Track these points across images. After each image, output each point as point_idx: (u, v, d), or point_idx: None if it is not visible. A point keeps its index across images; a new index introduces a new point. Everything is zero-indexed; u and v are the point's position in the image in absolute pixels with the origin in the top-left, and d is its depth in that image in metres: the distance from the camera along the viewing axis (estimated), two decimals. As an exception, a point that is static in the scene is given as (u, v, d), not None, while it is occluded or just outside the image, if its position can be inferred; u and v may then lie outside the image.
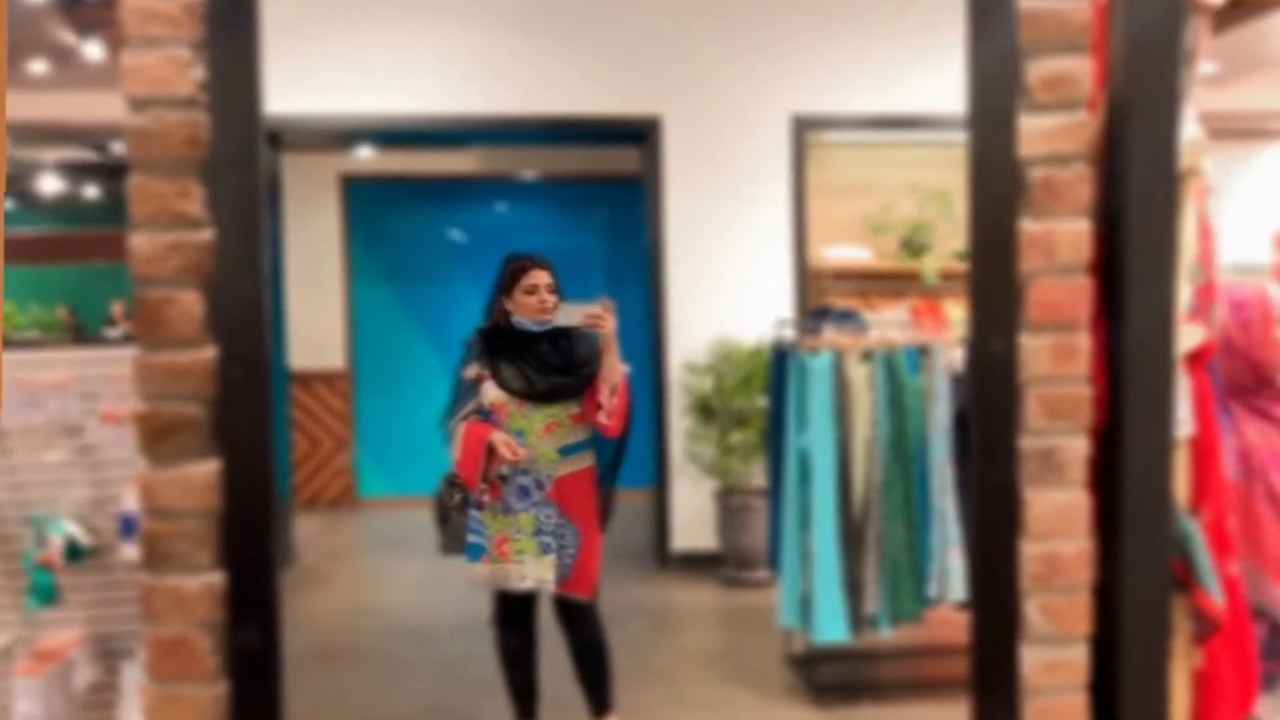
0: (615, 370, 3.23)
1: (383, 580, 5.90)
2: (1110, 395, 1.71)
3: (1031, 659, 1.68)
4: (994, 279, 1.67)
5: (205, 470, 1.57)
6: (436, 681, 4.21)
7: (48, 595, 1.90)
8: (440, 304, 7.84)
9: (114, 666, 1.97)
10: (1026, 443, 1.67)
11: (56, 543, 1.91)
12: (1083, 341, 1.68)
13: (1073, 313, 1.67)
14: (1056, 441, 1.67)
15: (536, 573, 3.24)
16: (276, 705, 1.60)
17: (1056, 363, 1.67)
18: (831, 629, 3.79)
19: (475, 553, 3.29)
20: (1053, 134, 1.66)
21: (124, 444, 1.96)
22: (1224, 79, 7.06)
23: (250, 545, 1.58)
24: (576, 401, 3.30)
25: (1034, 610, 1.68)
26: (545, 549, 3.23)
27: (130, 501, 1.90)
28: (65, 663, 1.91)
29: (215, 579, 1.58)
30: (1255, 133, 7.79)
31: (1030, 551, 1.67)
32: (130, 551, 1.91)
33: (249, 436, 1.57)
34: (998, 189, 1.67)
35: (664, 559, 5.94)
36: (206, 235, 1.57)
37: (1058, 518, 1.68)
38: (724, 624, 5.04)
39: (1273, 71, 6.95)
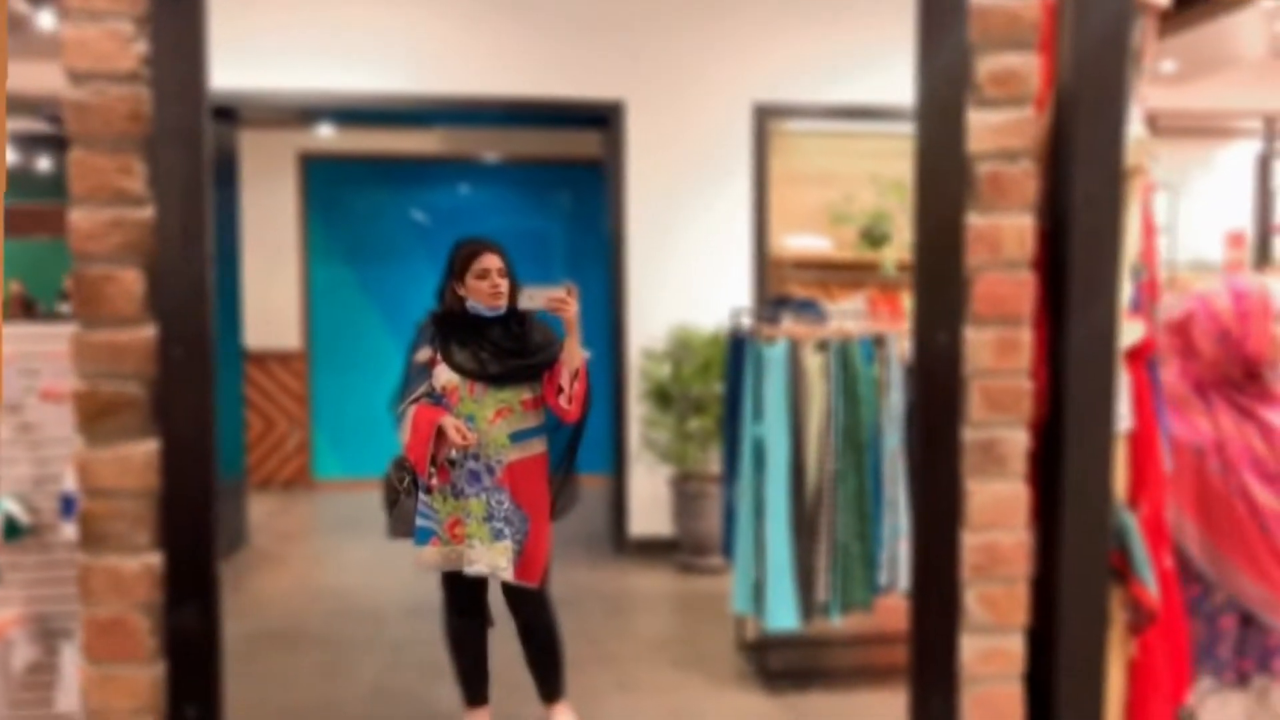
0: (576, 355, 3.23)
1: (336, 562, 5.87)
2: (1051, 389, 1.74)
3: (970, 647, 1.71)
4: (940, 272, 1.69)
5: (144, 450, 1.55)
6: (387, 664, 4.20)
7: (-16, 574, 1.88)
8: (399, 285, 7.77)
9: (53, 646, 1.94)
10: (969, 434, 1.69)
11: (-6, 521, 1.89)
12: (1025, 336, 1.70)
13: (1017, 307, 1.69)
14: (998, 434, 1.70)
15: (489, 558, 3.23)
16: (215, 687, 1.59)
17: (999, 356, 1.69)
18: (783, 616, 3.82)
19: (424, 536, 3.27)
20: (1000, 130, 1.68)
21: (64, 422, 1.92)
22: (1183, 78, 7.16)
23: (190, 526, 1.56)
24: (529, 387, 3.29)
25: (973, 600, 1.70)
26: (498, 535, 3.23)
27: (70, 480, 1.87)
28: (3, 642, 1.89)
29: (154, 560, 1.56)
30: (1214, 131, 7.91)
31: (970, 542, 1.70)
32: (70, 531, 1.88)
33: (189, 417, 1.55)
34: (945, 183, 1.69)
35: (620, 544, 5.96)
36: (148, 213, 1.54)
37: (998, 509, 1.70)
38: (678, 610, 5.07)
39: (1231, 71, 7.06)
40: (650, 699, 3.87)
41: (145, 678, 1.57)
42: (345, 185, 7.89)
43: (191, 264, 1.55)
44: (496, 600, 3.42)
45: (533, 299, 3.21)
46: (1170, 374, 2.42)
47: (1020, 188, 1.69)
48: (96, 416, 1.55)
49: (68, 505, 1.90)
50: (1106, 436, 1.72)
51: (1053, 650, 1.72)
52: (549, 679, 3.49)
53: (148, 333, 1.55)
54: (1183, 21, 5.80)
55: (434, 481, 3.23)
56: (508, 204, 8.09)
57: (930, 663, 1.71)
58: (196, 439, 1.56)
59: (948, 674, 1.70)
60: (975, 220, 1.68)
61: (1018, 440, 1.70)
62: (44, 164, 8.99)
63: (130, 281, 1.54)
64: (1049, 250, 1.73)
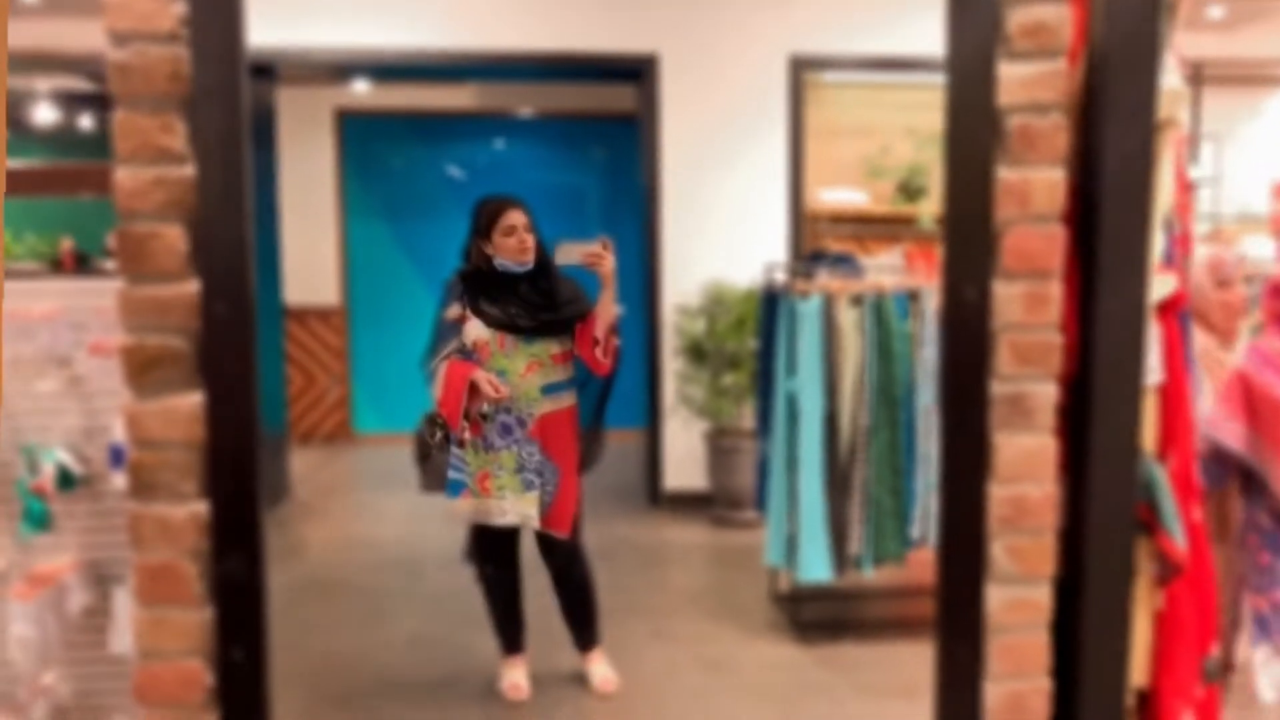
0: (612, 309, 3.27)
1: (375, 514, 5.98)
2: (1081, 343, 1.74)
3: (996, 597, 1.73)
4: (969, 226, 1.69)
5: (189, 403, 1.60)
6: (425, 613, 4.30)
7: (41, 521, 1.95)
8: (435, 240, 7.82)
9: (106, 592, 2.02)
10: (997, 388, 1.70)
11: (49, 470, 1.95)
12: (1055, 290, 1.70)
13: (1046, 261, 1.69)
14: (1026, 387, 1.70)
15: (518, 508, 3.30)
16: (261, 631, 1.65)
17: (1029, 310, 1.69)
18: (816, 568, 3.86)
19: (456, 488, 3.34)
20: (1031, 82, 1.67)
21: (113, 375, 1.98)
22: (1231, 24, 6.99)
23: (234, 477, 1.62)
24: (559, 340, 3.33)
25: (1000, 551, 1.72)
26: (528, 485, 3.29)
27: (119, 432, 1.93)
28: (58, 587, 1.96)
29: (200, 508, 1.62)
30: (1262, 79, 7.72)
31: (998, 494, 1.71)
32: (120, 480, 1.95)
33: (232, 370, 1.60)
34: (975, 136, 1.68)
35: (655, 498, 6.02)
36: (189, 171, 1.58)
37: (1026, 462, 1.71)
38: (711, 562, 5.13)
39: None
40: (685, 648, 3.93)
41: (194, 621, 1.64)
42: (381, 141, 7.93)
43: (232, 221, 1.58)
44: (532, 553, 3.49)
45: (569, 254, 3.24)
46: (1273, 337, 2.42)
47: (1050, 141, 1.69)
48: (143, 369, 1.60)
49: (117, 456, 1.96)
50: (1135, 390, 1.73)
51: (1079, 601, 1.74)
52: (583, 628, 3.56)
53: (191, 288, 1.59)
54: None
55: (466, 435, 3.29)
56: (542, 159, 8.09)
57: (957, 612, 1.74)
58: (239, 392, 1.61)
59: (974, 623, 1.73)
60: (1005, 173, 1.68)
61: (1046, 394, 1.71)
62: (86, 122, 9.09)
63: (173, 238, 1.58)
64: (1079, 204, 1.73)
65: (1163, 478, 1.81)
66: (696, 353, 5.79)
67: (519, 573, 3.53)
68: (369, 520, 5.89)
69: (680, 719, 3.37)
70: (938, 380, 3.84)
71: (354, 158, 7.90)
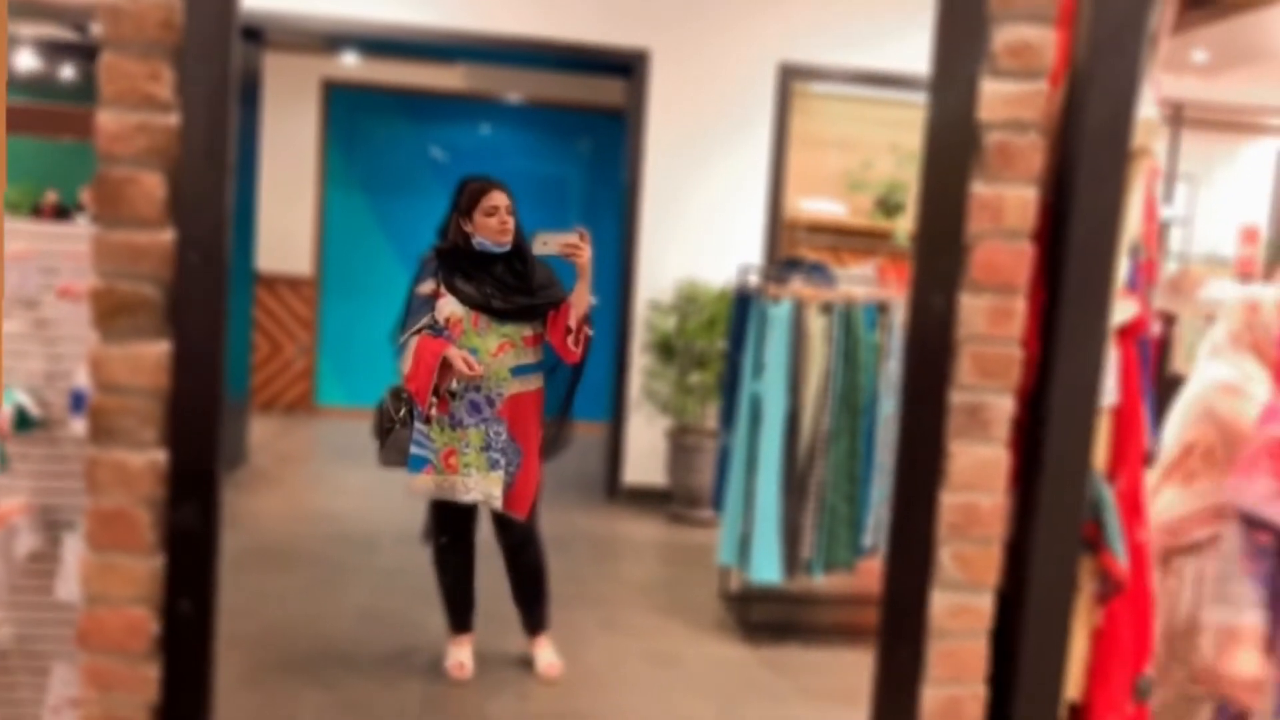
0: (586, 299, 3.29)
1: (332, 487, 5.96)
2: (1040, 359, 1.77)
3: (940, 603, 1.76)
4: (941, 237, 1.72)
5: (156, 350, 1.60)
6: (376, 587, 4.30)
7: (-5, 461, 1.94)
8: (413, 218, 7.79)
9: (56, 538, 2.01)
10: (956, 397, 1.73)
11: (6, 412, 1.94)
12: (1020, 305, 1.73)
13: (1013, 276, 1.73)
14: (985, 398, 1.74)
15: (483, 487, 3.31)
16: (210, 584, 1.65)
17: (993, 323, 1.73)
18: (766, 569, 3.90)
19: (418, 464, 3.35)
20: (1012, 100, 1.70)
21: (79, 320, 1.97)
22: (1214, 69, 7.10)
23: (196, 428, 1.61)
24: (531, 324, 3.35)
25: (947, 557, 1.76)
26: (493, 465, 3.30)
27: (82, 377, 1.92)
28: (7, 529, 1.95)
29: (159, 457, 1.62)
30: (1240, 126, 7.86)
31: (949, 501, 1.74)
32: (78, 426, 1.94)
33: (201, 321, 1.60)
34: (954, 149, 1.71)
35: (614, 491, 6.03)
36: (173, 119, 1.58)
37: (979, 471, 1.74)
38: (665, 558, 5.15)
39: (1262, 65, 7.00)
40: (631, 640, 3.95)
41: (144, 569, 1.63)
42: (366, 115, 7.89)
43: (212, 173, 1.58)
44: (487, 536, 3.50)
45: (547, 244, 3.26)
46: None
47: (1027, 159, 1.72)
48: (112, 314, 1.59)
49: (78, 401, 1.95)
50: (1091, 409, 1.77)
51: (1021, 611, 1.78)
52: (533, 611, 3.58)
53: (166, 237, 1.59)
54: (1217, 12, 5.75)
55: (434, 411, 3.30)
56: (527, 146, 8.08)
57: (901, 614, 1.77)
58: (207, 343, 1.61)
59: (917, 626, 1.76)
60: (980, 188, 1.71)
61: (1004, 406, 1.74)
62: (67, 72, 8.96)
63: (152, 185, 1.58)
64: (1049, 223, 1.76)
65: (1110, 497, 1.86)
66: (665, 349, 5.81)
67: (473, 552, 3.53)
68: (325, 492, 5.86)
69: (623, 709, 3.39)
70: (899, 388, 3.90)
71: (338, 129, 7.86)
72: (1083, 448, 1.77)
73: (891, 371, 3.96)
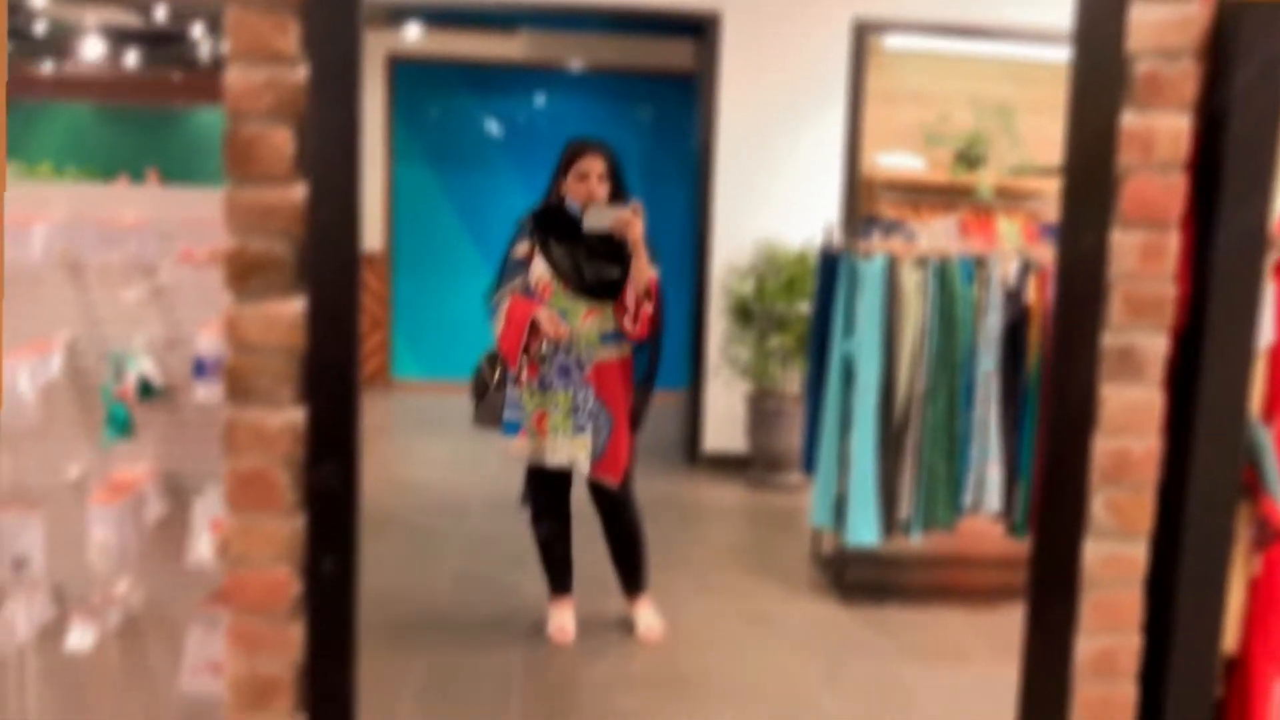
0: (642, 276, 3.23)
1: (417, 458, 6.00)
2: (1193, 297, 1.69)
3: (1093, 552, 1.70)
4: (1090, 172, 1.64)
5: (290, 308, 1.59)
6: (471, 554, 4.32)
7: (124, 427, 1.94)
8: (480, 191, 7.79)
9: (183, 502, 2.01)
10: (1108, 339, 1.66)
11: (131, 378, 1.94)
12: (1172, 240, 1.65)
13: (1165, 210, 1.65)
14: (1137, 339, 1.66)
15: (569, 451, 3.30)
16: (352, 541, 1.64)
17: (1145, 260, 1.65)
18: (864, 531, 3.83)
19: (512, 428, 3.35)
20: (1163, 25, 1.61)
21: (199, 286, 1.97)
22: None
23: (333, 385, 1.60)
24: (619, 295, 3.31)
25: (1099, 505, 1.69)
26: (580, 429, 3.29)
27: (203, 344, 1.91)
28: (137, 495, 1.96)
29: (296, 416, 1.61)
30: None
31: (1101, 446, 1.68)
32: (201, 392, 1.93)
33: (334, 278, 1.58)
34: (1102, 81, 1.63)
35: (694, 458, 6.00)
36: (301, 74, 1.55)
37: (1132, 415, 1.67)
38: (751, 522, 5.12)
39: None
40: (728, 601, 3.93)
41: (285, 529, 1.63)
42: (431, 89, 7.89)
43: (341, 126, 1.56)
44: (583, 499, 3.49)
45: (599, 218, 3.21)
46: None
47: (1178, 87, 1.63)
48: (245, 273, 1.58)
49: (200, 368, 1.95)
50: (1247, 348, 1.69)
51: (1176, 560, 1.71)
52: (631, 574, 3.56)
53: (296, 193, 1.57)
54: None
55: (524, 374, 3.28)
56: (590, 114, 8.01)
57: (1053, 564, 1.71)
58: (341, 300, 1.59)
59: (1069, 577, 1.70)
60: (1129, 120, 1.63)
61: (1157, 346, 1.67)
62: (131, 59, 9.07)
63: (281, 141, 1.56)
64: (1200, 153, 1.68)
65: (1268, 441, 1.77)
66: (743, 313, 5.74)
67: (569, 515, 3.53)
68: (411, 463, 5.91)
69: (725, 668, 3.36)
70: (1004, 349, 3.77)
71: (403, 104, 7.87)
72: (1239, 389, 1.69)
73: (990, 327, 3.86)
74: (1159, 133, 1.64)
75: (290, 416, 1.60)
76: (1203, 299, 1.68)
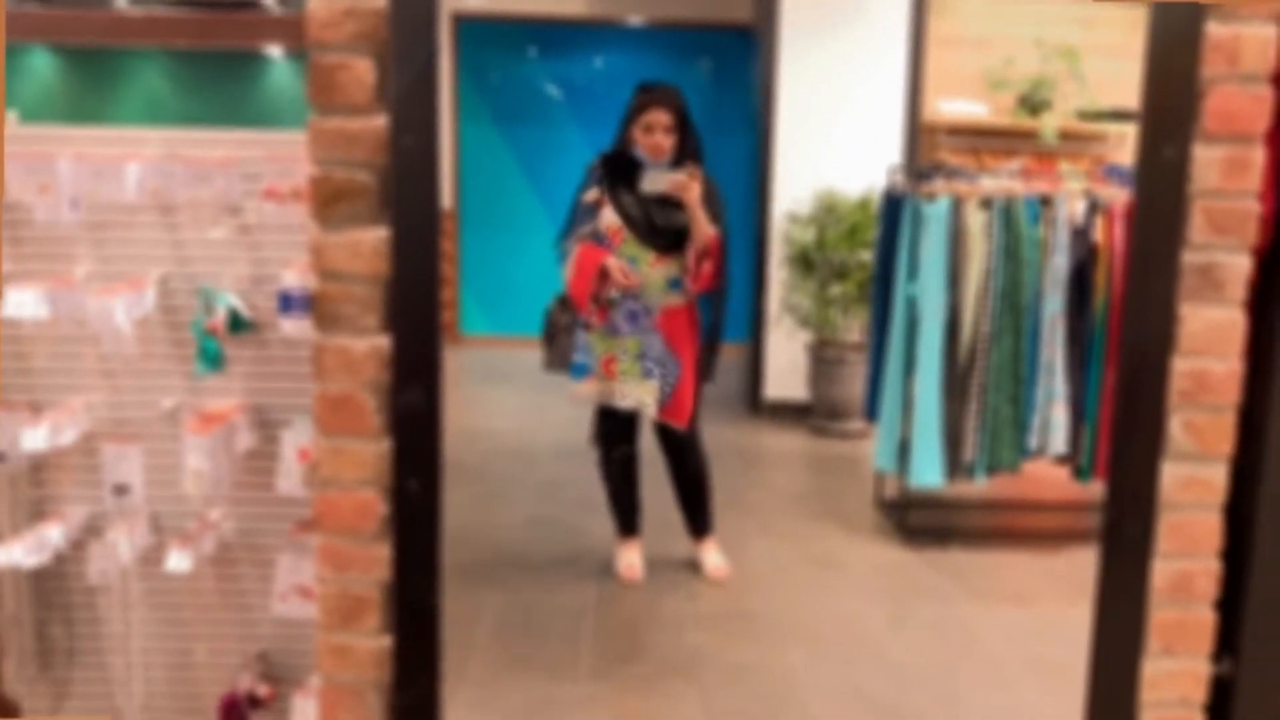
0: (701, 234, 3.24)
1: (486, 408, 6.09)
2: (1278, 215, 1.67)
3: (1170, 474, 1.69)
4: (1172, 83, 1.61)
5: (374, 237, 1.63)
6: (541, 498, 4.40)
7: (215, 360, 2.01)
8: (545, 148, 7.83)
9: (272, 435, 2.09)
10: (1188, 257, 1.64)
11: (221, 313, 2.01)
12: (1257, 155, 1.62)
13: (1250, 124, 1.62)
14: (1218, 258, 1.64)
15: (637, 394, 3.34)
16: (437, 463, 1.70)
17: (1227, 176, 1.63)
18: (928, 473, 3.83)
19: (580, 371, 3.40)
20: (1250, -67, 1.58)
21: (283, 223, 2.03)
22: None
23: (416, 311, 1.64)
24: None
25: (1177, 426, 1.68)
26: (648, 374, 3.32)
27: (289, 279, 1.97)
28: (229, 426, 2.04)
29: (381, 342, 1.65)
30: None
31: (1180, 368, 1.66)
32: (288, 327, 1.99)
33: (417, 205, 1.62)
34: (1185, -10, 1.60)
35: (755, 407, 6.02)
36: (380, 2, 1.58)
37: (1212, 335, 1.66)
38: (813, 469, 5.13)
39: None
40: (792, 545, 3.96)
41: (371, 451, 1.68)
42: (495, 47, 7.91)
43: (421, 53, 1.59)
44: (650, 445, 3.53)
45: (656, 182, 3.22)
46: None
47: (1264, -3, 1.60)
48: (329, 202, 1.62)
49: (286, 302, 2.00)
50: (1332, 267, 1.66)
51: (1255, 483, 1.70)
52: (697, 516, 3.61)
53: (378, 122, 1.60)
54: None
55: (594, 319, 3.32)
56: (651, 69, 7.95)
57: (1129, 487, 1.70)
58: (424, 226, 1.63)
59: (1146, 499, 1.70)
60: (1214, 28, 1.60)
61: (1239, 265, 1.65)
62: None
63: (363, 70, 1.59)
64: (1290, 67, 1.64)
65: (1352, 362, 1.74)
66: (804, 262, 5.72)
67: (638, 457, 3.58)
68: (480, 413, 6.00)
69: (792, 609, 3.40)
70: (1071, 290, 3.71)
71: (468, 62, 7.91)
72: (1323, 307, 1.67)
73: (1057, 268, 3.81)
74: (1245, 42, 1.60)
75: (375, 342, 1.65)
76: (1287, 217, 1.65)
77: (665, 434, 3.47)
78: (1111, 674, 1.75)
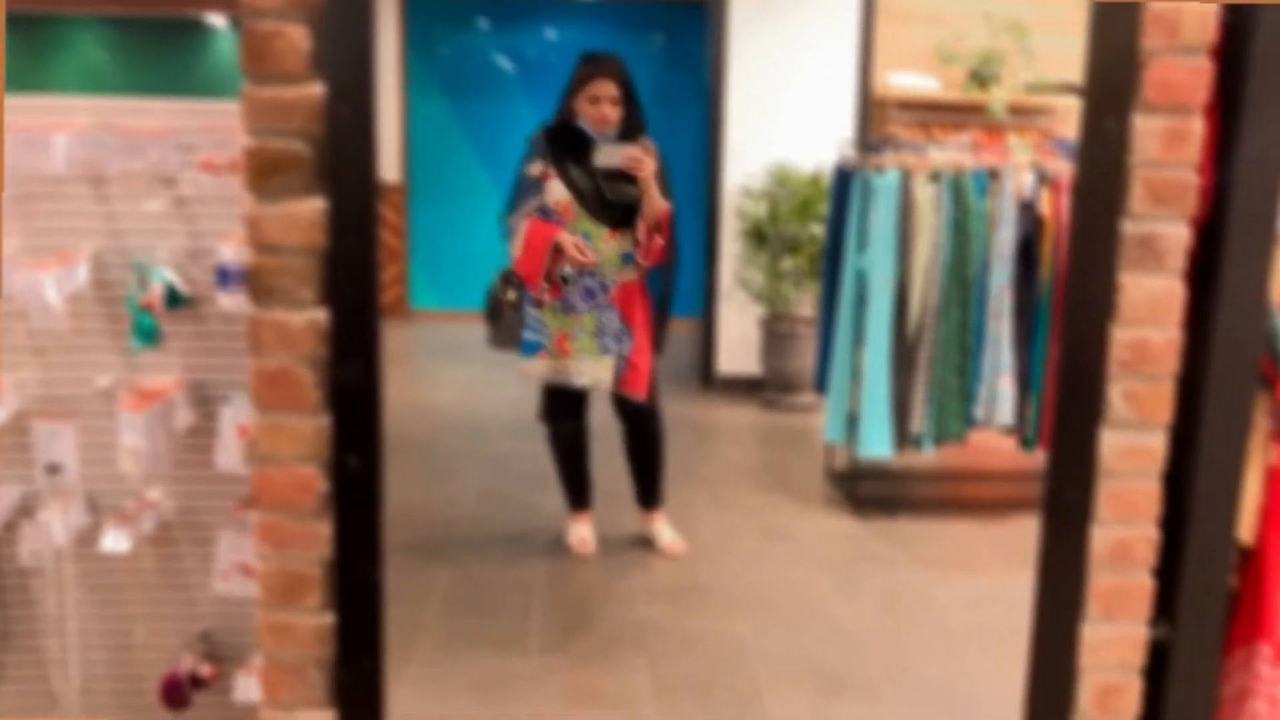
0: (652, 209, 3.21)
1: (436, 383, 6.05)
2: (1216, 186, 1.68)
3: (1110, 442, 1.71)
4: (1113, 55, 1.62)
5: (310, 208, 1.59)
6: (490, 473, 4.38)
7: (150, 336, 1.96)
8: (495, 122, 7.74)
9: (211, 412, 2.04)
10: (1128, 227, 1.65)
11: (157, 288, 1.96)
12: (1196, 126, 1.64)
13: (1189, 96, 1.63)
14: (1158, 228, 1.66)
15: (594, 372, 3.32)
16: (376, 439, 1.67)
17: (1167, 147, 1.64)
18: (876, 444, 3.87)
19: (531, 349, 3.35)
20: (1190, -99, 1.58)
21: (220, 195, 1.98)
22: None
23: (354, 284, 1.61)
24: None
25: (1117, 395, 1.70)
26: (605, 350, 3.30)
27: (226, 253, 1.93)
28: (167, 402, 1.99)
29: (319, 315, 1.62)
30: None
31: (1121, 337, 1.68)
32: (226, 302, 1.95)
33: (354, 176, 1.58)
34: (1127, -39, 1.61)
35: (708, 381, 6.03)
36: (315, -32, 1.54)
37: (1152, 305, 1.67)
38: (764, 441, 5.16)
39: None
40: (742, 517, 3.98)
41: (310, 427, 1.65)
42: (444, 19, 7.80)
43: (357, 22, 1.55)
44: (600, 416, 3.52)
45: (609, 156, 3.17)
46: None
47: (1204, -30, 1.61)
48: (265, 173, 1.58)
49: (224, 277, 1.96)
50: (1268, 238, 1.68)
51: (1193, 451, 1.72)
52: (649, 488, 3.61)
53: (314, 90, 1.56)
54: None
55: (546, 297, 3.28)
56: (602, 42, 7.87)
57: (1069, 455, 1.72)
58: (360, 198, 1.59)
59: (1086, 467, 1.71)
60: (1155, 1, 1.60)
61: (1178, 236, 1.66)
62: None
63: (297, 38, 1.55)
64: (1227, 38, 1.65)
65: (1287, 331, 1.77)
66: (757, 236, 5.72)
67: (587, 431, 3.56)
68: (430, 388, 5.96)
69: (744, 580, 3.42)
70: (1018, 262, 3.74)
71: (418, 36, 7.79)
72: (1259, 279, 1.69)
73: (1004, 240, 3.84)
74: (1186, 15, 1.61)
75: (312, 316, 1.62)
76: (1226, 190, 1.67)
77: (624, 404, 3.45)
78: (1052, 638, 1.77)
